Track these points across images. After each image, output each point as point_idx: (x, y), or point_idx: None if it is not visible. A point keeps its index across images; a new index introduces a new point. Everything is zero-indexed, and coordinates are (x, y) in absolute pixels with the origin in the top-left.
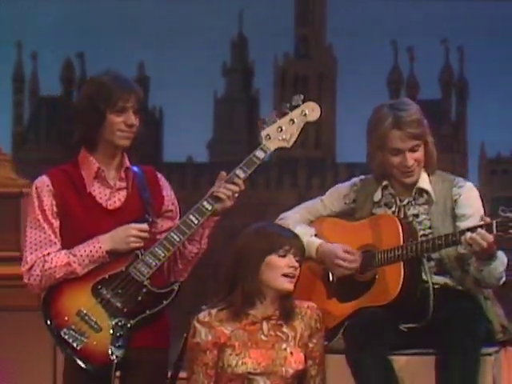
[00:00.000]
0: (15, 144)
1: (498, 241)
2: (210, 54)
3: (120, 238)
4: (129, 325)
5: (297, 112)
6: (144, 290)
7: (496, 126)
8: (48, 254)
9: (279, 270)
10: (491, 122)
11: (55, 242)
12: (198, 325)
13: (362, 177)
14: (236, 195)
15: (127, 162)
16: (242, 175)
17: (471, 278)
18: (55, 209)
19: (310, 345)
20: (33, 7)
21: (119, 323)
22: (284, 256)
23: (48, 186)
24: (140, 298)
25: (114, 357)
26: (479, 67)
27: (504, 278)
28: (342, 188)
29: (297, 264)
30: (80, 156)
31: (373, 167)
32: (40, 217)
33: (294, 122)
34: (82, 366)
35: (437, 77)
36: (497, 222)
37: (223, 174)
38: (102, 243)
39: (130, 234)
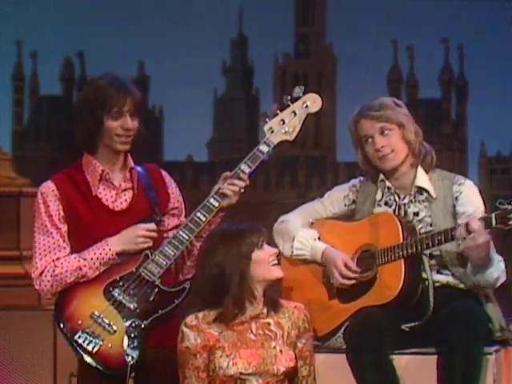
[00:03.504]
0: (15, 143)
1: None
2: (210, 54)
3: (128, 239)
4: (143, 325)
5: (298, 104)
6: (156, 290)
7: (496, 125)
8: (58, 258)
9: (267, 261)
10: (491, 120)
11: (64, 247)
12: (186, 329)
13: (361, 178)
14: (242, 190)
15: (131, 162)
16: (247, 170)
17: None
18: (62, 213)
19: (299, 345)
20: (33, 6)
21: (133, 324)
22: (261, 247)
23: (54, 190)
24: (152, 298)
25: (130, 358)
26: (479, 67)
27: (502, 280)
28: (342, 189)
29: (276, 249)
30: (83, 159)
31: (362, 168)
32: (47, 222)
33: (295, 114)
34: (100, 369)
35: (437, 76)
36: (496, 215)
37: (228, 173)
38: (111, 245)
39: (138, 234)
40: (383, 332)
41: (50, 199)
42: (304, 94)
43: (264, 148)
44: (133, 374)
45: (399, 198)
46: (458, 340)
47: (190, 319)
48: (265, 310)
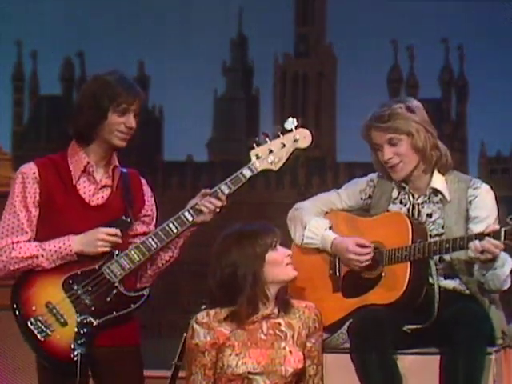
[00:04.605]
0: (15, 143)
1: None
2: (210, 54)
3: (88, 241)
4: (94, 323)
5: (289, 137)
6: (114, 292)
7: (496, 125)
8: (17, 242)
9: (281, 262)
10: (491, 121)
11: (27, 231)
12: (196, 326)
13: (380, 173)
14: (217, 210)
15: (116, 161)
16: (227, 191)
17: (477, 281)
18: (38, 197)
19: (309, 344)
20: (33, 6)
21: (85, 320)
22: (275, 247)
23: (34, 173)
24: (109, 299)
25: (76, 353)
26: (479, 67)
27: (509, 283)
28: (359, 182)
29: (290, 250)
30: (70, 148)
31: (377, 170)
32: (17, 203)
33: (284, 146)
34: (44, 358)
35: (437, 76)
36: (505, 231)
37: (207, 190)
38: (72, 242)
39: (97, 237)
40: (386, 331)
41: (29, 181)
42: (296, 127)
43: (247, 173)
44: (84, 373)
45: (414, 197)
46: (461, 340)
47: (202, 316)
48: (276, 310)
